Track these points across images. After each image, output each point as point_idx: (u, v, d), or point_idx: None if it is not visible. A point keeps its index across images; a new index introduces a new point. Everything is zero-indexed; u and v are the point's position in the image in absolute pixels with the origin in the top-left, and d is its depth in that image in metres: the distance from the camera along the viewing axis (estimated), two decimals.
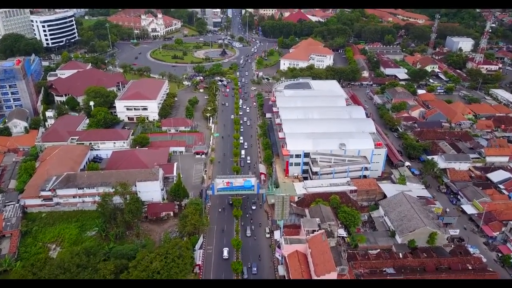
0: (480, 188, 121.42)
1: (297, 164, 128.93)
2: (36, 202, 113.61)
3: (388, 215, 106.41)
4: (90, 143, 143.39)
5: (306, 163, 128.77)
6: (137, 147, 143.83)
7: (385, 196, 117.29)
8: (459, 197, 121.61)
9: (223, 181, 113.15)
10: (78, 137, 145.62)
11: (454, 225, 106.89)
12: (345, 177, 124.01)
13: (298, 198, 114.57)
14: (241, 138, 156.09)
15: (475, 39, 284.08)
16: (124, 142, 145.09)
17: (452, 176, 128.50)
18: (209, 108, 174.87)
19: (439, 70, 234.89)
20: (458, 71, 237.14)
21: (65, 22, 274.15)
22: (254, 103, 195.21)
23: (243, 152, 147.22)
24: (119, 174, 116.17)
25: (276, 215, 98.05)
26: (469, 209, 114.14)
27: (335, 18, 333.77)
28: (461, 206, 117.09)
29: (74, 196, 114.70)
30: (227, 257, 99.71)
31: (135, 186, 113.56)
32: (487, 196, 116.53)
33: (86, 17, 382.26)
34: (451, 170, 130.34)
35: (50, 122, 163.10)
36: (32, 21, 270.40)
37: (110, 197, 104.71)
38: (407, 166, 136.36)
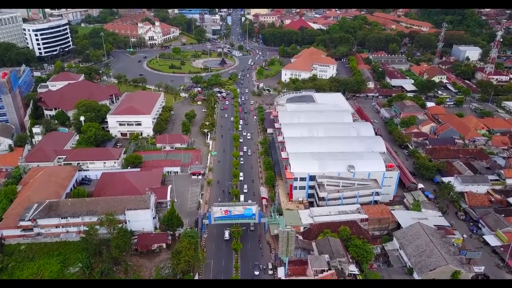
0: (503, 215, 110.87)
1: (302, 187, 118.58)
2: (15, 232, 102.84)
3: (404, 249, 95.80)
4: (78, 163, 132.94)
5: (311, 187, 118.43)
6: (129, 167, 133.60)
7: (398, 225, 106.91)
8: (479, 225, 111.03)
9: (220, 209, 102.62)
10: (65, 156, 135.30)
11: (478, 260, 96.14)
12: (354, 203, 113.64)
13: (304, 228, 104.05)
14: (241, 175, 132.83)
15: (482, 48, 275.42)
16: (115, 162, 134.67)
17: (471, 201, 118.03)
18: (207, 123, 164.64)
19: (447, 81, 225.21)
20: (467, 81, 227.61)
21: (59, 31, 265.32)
22: (255, 117, 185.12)
23: (242, 197, 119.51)
24: (106, 201, 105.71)
25: (280, 252, 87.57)
26: (492, 240, 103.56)
27: (337, 26, 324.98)
28: (483, 236, 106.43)
29: (57, 226, 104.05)
30: (228, 238, 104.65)
31: (124, 214, 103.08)
32: (511, 225, 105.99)
33: (83, 25, 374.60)
34: (469, 194, 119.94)
35: (38, 138, 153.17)
36: (24, 29, 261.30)
37: (94, 231, 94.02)
38: (420, 189, 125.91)
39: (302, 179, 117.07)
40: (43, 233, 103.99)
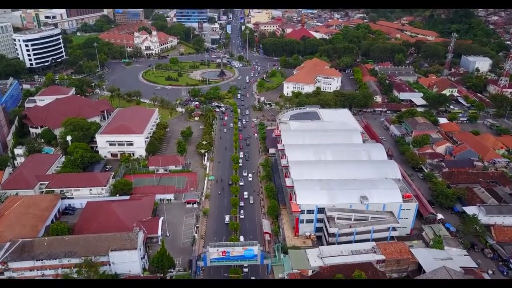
0: None
1: (309, 221, 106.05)
2: None
3: None
4: (62, 191, 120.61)
5: (320, 220, 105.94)
6: (117, 195, 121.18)
7: (419, 266, 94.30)
8: (511, 265, 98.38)
9: (217, 250, 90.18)
10: (48, 182, 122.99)
11: None
12: (367, 239, 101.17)
13: (312, 271, 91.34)
14: (241, 238, 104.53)
15: (491, 58, 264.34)
16: (102, 189, 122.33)
17: (498, 236, 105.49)
18: (204, 143, 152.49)
19: (458, 94, 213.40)
20: (479, 95, 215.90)
21: (52, 41, 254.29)
22: (256, 134, 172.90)
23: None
24: (88, 240, 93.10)
25: None
26: None
27: (340, 35, 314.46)
28: None
29: (31, 269, 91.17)
30: (228, 222, 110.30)
31: (108, 255, 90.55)
32: None
33: (78, 33, 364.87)
34: (496, 228, 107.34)
35: (20, 160, 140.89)
36: (14, 39, 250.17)
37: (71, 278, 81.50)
38: (439, 220, 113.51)
39: (310, 211, 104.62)
40: (15, 277, 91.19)
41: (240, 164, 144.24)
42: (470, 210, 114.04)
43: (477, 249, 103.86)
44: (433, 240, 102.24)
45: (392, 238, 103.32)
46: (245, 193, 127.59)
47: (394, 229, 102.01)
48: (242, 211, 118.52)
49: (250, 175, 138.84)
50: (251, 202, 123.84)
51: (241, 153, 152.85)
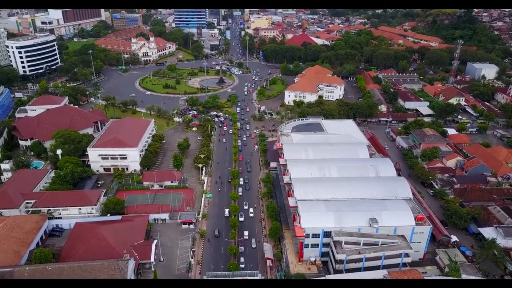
0: None
1: (315, 245, 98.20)
2: None
3: None
4: (49, 210, 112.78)
5: (326, 244, 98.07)
6: (108, 215, 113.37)
7: None
8: None
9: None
10: (34, 200, 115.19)
11: None
12: (378, 266, 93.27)
13: None
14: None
15: (497, 65, 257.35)
16: (92, 208, 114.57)
17: None
18: (201, 156, 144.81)
19: (466, 103, 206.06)
20: (487, 104, 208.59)
21: (46, 47, 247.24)
22: (256, 146, 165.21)
23: None
24: (73, 270, 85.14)
25: None
26: None
27: (342, 41, 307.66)
28: None
29: None
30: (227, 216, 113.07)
31: None
32: None
33: (75, 39, 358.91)
34: None
35: (7, 176, 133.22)
36: (7, 46, 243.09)
37: None
38: (454, 243, 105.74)
39: (315, 235, 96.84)
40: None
41: (240, 193, 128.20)
42: (487, 232, 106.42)
43: None
44: (449, 267, 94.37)
45: (404, 264, 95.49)
46: (246, 232, 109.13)
47: (406, 255, 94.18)
48: (242, 259, 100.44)
49: (251, 209, 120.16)
50: (253, 246, 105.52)
51: (241, 179, 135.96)
